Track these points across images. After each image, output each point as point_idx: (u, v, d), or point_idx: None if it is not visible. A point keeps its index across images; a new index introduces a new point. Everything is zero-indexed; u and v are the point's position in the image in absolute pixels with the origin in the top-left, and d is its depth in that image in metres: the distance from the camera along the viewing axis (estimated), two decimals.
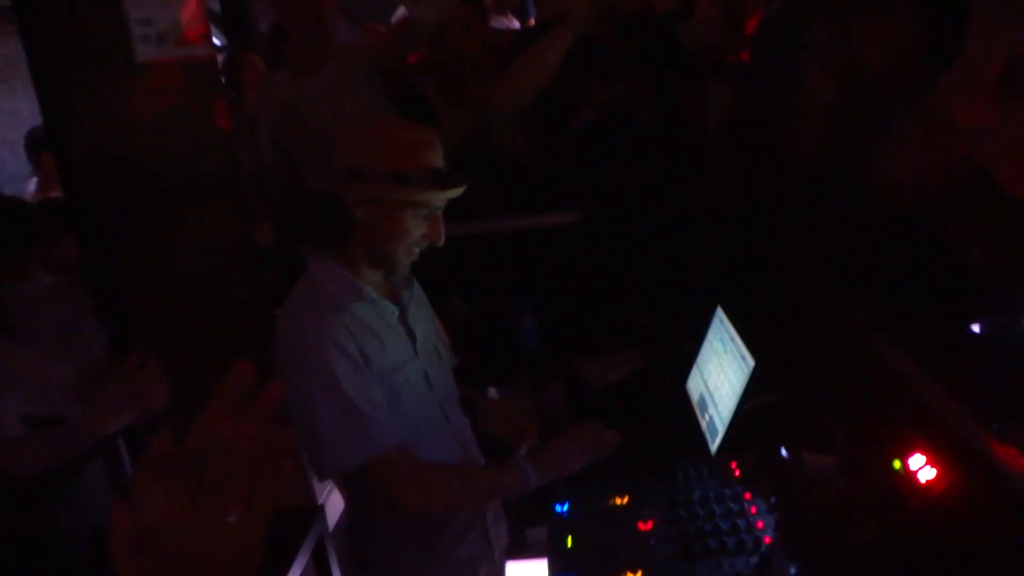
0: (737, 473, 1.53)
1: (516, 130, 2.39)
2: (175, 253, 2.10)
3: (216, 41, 3.96)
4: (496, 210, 2.34)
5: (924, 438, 1.18)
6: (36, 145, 3.95)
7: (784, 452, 1.46)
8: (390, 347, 1.58)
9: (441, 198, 1.53)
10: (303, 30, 2.41)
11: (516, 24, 4.66)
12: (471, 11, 2.40)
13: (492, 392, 2.26)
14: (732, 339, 1.67)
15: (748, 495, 1.45)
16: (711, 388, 1.72)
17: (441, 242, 1.57)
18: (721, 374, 1.68)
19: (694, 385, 1.84)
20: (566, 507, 1.55)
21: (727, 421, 1.56)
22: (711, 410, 1.69)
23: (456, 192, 1.52)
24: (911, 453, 1.18)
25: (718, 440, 1.59)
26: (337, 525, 2.32)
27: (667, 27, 2.29)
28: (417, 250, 1.57)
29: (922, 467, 1.16)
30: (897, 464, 1.19)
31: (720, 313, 1.78)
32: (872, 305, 1.51)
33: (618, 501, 1.53)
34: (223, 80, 3.14)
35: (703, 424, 1.71)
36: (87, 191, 2.01)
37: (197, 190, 2.11)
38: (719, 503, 1.43)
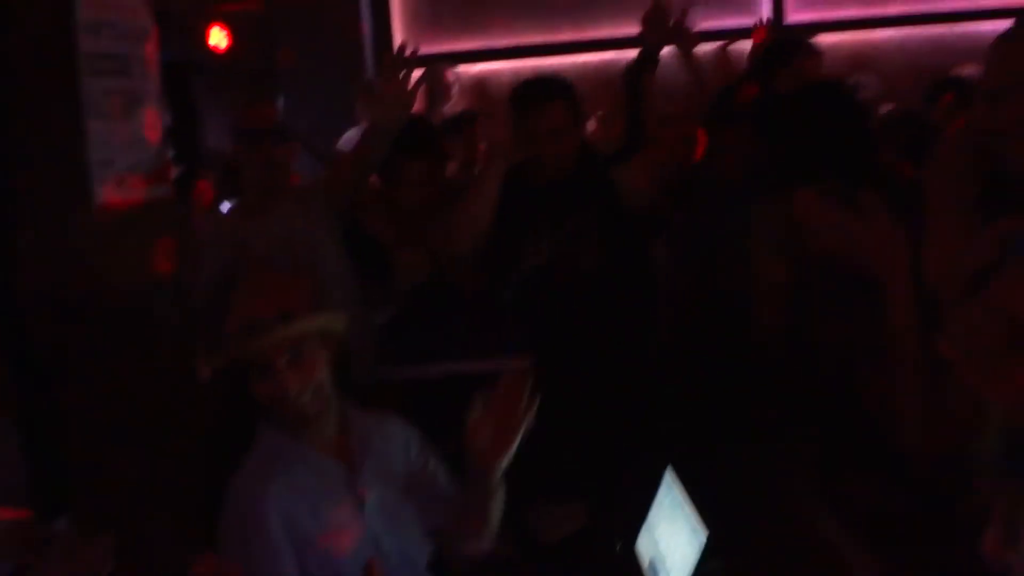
0: None
1: (468, 274, 2.43)
2: (122, 397, 2.04)
3: None
4: (457, 353, 2.35)
5: None
6: None
7: None
8: (322, 511, 1.53)
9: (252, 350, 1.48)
10: (256, 173, 2.41)
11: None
12: (429, 165, 2.43)
13: None
14: (682, 504, 1.69)
15: None
16: (662, 552, 1.73)
17: (277, 399, 1.50)
18: (672, 539, 1.69)
19: (644, 547, 1.84)
20: None
21: None
22: None
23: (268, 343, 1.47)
24: None
25: None
26: None
27: (605, 172, 2.40)
28: (303, 399, 1.50)
29: None
30: None
31: (670, 473, 1.80)
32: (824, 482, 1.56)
33: None
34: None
35: None
36: (34, 327, 1.96)
37: (148, 330, 2.09)
38: None
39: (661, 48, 2.69)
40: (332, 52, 5.11)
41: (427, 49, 5.31)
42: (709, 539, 1.52)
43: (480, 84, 5.20)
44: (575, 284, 2.37)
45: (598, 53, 4.99)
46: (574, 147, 2.37)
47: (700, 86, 2.84)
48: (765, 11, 5.46)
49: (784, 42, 3.41)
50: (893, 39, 5.11)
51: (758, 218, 1.76)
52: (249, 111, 2.45)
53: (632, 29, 2.79)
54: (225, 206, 3.47)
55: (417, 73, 2.35)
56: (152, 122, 2.14)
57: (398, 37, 5.40)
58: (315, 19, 5.15)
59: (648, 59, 2.69)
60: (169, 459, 2.15)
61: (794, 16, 5.56)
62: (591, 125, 3.70)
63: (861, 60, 4.96)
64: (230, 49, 5.07)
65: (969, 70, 3.74)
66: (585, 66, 4.83)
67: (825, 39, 5.30)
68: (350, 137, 4.69)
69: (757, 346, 1.85)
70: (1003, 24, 1.51)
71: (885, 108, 3.63)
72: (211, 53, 5.16)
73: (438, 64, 4.70)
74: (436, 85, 4.58)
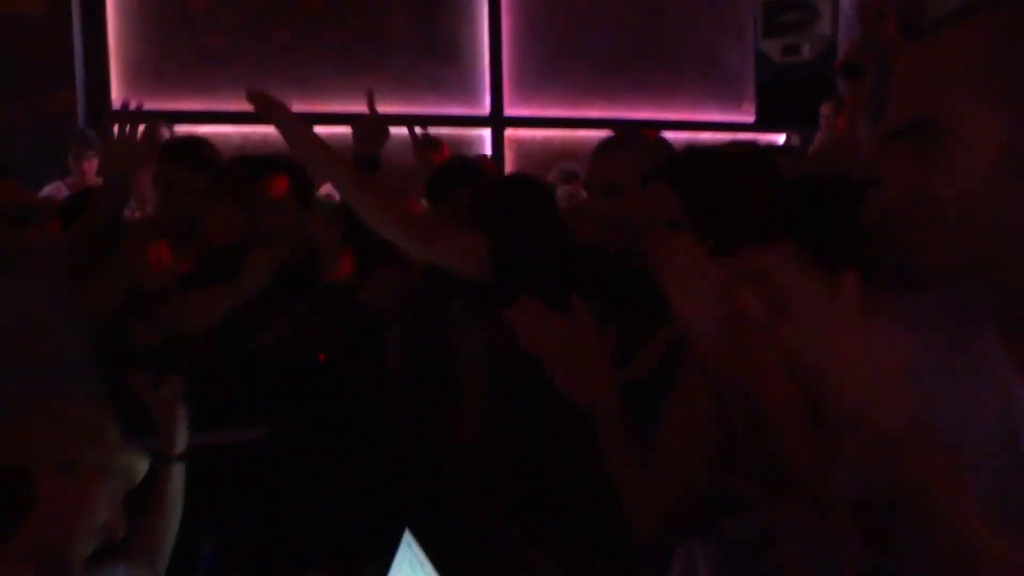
0: None
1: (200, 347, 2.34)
2: None
3: None
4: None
5: None
6: None
7: None
8: None
9: None
10: None
11: None
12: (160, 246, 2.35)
13: None
14: (421, 564, 1.73)
15: None
16: None
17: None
18: None
19: None
20: None
21: None
22: None
23: None
24: None
25: None
26: None
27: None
28: None
29: None
30: None
31: (408, 537, 1.84)
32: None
33: None
34: None
35: None
36: None
37: None
38: None
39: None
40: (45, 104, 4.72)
41: (149, 105, 5.07)
42: None
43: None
44: (306, 367, 2.35)
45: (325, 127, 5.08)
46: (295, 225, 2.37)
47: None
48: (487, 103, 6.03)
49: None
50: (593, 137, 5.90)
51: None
52: None
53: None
54: None
55: (140, 128, 2.25)
56: None
57: (115, 90, 5.11)
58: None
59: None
60: None
61: (510, 111, 6.17)
62: None
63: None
64: None
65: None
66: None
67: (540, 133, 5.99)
68: (51, 190, 4.33)
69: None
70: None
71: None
72: None
73: (157, 120, 4.50)
74: (151, 143, 4.37)
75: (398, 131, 2.87)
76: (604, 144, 1.84)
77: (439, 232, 1.88)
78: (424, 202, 2.94)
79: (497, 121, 6.22)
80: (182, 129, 4.73)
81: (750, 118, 6.39)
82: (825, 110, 4.62)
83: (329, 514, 2.16)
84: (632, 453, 1.33)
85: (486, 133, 6.24)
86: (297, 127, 1.81)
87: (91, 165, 4.45)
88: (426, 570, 1.70)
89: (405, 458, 2.24)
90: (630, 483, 1.33)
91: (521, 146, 6.26)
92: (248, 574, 2.07)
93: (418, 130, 3.58)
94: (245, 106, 1.83)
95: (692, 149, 1.53)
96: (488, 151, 6.05)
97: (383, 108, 2.39)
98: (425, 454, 2.26)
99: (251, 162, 2.43)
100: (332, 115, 5.04)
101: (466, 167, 2.77)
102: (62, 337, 2.15)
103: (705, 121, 6.43)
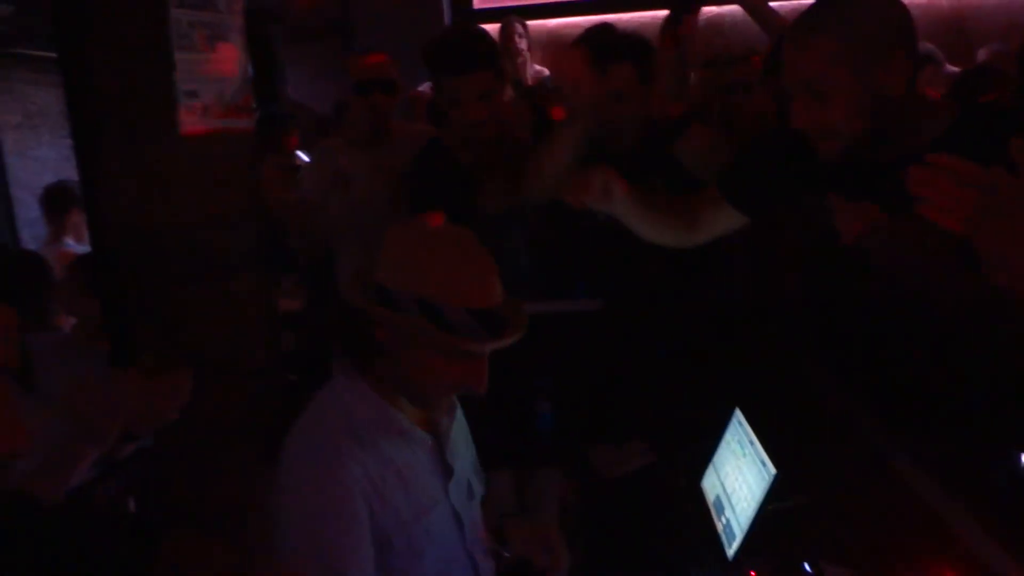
0: None
1: (543, 218, 2.41)
2: (198, 326, 2.09)
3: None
4: (527, 292, 2.33)
5: (953, 567, 1.18)
6: (51, 200, 4.06)
7: (807, 567, 1.45)
8: (416, 489, 1.36)
9: (481, 349, 1.28)
10: (362, 116, 2.60)
11: (545, 71, 4.77)
12: (483, 80, 2.17)
13: (507, 475, 2.23)
14: (751, 443, 1.67)
15: None
16: (728, 490, 1.72)
17: (483, 390, 1.32)
18: (739, 477, 1.68)
19: (710, 485, 1.83)
20: None
21: (746, 527, 1.56)
22: (728, 513, 1.68)
23: (503, 344, 1.28)
24: None
25: (736, 545, 1.58)
26: None
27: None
28: (456, 391, 1.37)
29: None
30: None
31: (739, 415, 1.79)
32: (905, 425, 1.52)
33: None
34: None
35: (719, 526, 1.70)
36: (117, 254, 2.03)
37: (227, 264, 2.13)
38: None
39: None
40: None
41: (496, 2, 5.29)
42: (777, 478, 1.51)
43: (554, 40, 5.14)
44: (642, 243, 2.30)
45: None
46: (639, 113, 2.23)
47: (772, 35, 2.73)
48: None
49: None
50: None
51: None
52: (363, 60, 2.66)
53: None
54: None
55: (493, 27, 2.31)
56: (235, 56, 2.17)
57: None
58: None
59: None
60: (243, 396, 2.20)
61: None
62: None
63: None
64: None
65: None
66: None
67: None
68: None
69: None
70: None
71: None
72: (289, 3, 5.22)
73: (510, 17, 4.67)
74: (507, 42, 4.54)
75: None
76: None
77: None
78: None
79: None
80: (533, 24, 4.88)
81: None
82: None
83: (659, 387, 2.16)
84: None
85: None
86: None
87: None
88: (756, 448, 1.64)
89: (737, 335, 2.14)
90: None
91: None
92: (579, 435, 2.15)
93: None
94: None
95: None
96: None
97: None
98: (757, 330, 2.14)
99: (601, 46, 2.31)
100: None
101: None
102: None
103: None
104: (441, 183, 2.30)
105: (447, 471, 1.44)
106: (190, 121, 2.01)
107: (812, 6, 1.48)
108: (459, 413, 1.54)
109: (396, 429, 1.37)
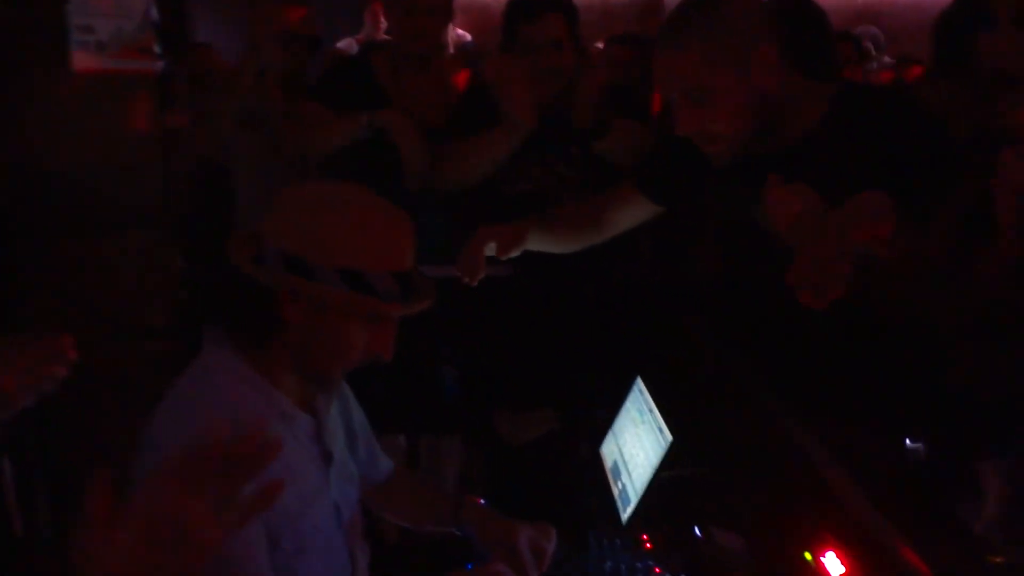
0: (648, 546, 1.54)
1: None
2: (87, 278, 2.00)
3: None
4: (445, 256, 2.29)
5: (837, 535, 1.23)
6: None
7: (698, 531, 1.49)
8: (299, 479, 1.22)
9: (407, 312, 1.23)
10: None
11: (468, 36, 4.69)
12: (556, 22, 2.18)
13: (401, 440, 2.21)
14: (651, 411, 1.70)
15: (658, 569, 1.46)
16: (626, 457, 1.75)
17: (390, 356, 1.26)
18: (637, 444, 1.71)
19: (608, 451, 1.86)
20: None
21: (640, 492, 1.58)
22: (624, 479, 1.71)
23: (423, 306, 1.23)
24: (823, 548, 1.22)
25: (630, 510, 1.61)
26: None
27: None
28: (363, 361, 1.25)
29: (832, 562, 1.21)
30: (808, 556, 1.24)
31: (640, 383, 1.82)
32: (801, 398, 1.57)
33: None
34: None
35: (615, 491, 1.73)
36: (5, 201, 1.90)
37: (121, 216, 2.03)
38: None
39: None
40: None
41: None
42: (672, 445, 1.54)
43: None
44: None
45: None
46: (572, 63, 2.24)
47: None
48: None
49: None
50: None
51: None
52: (281, 14, 2.41)
53: None
54: None
55: None
56: None
57: None
58: None
59: None
60: (142, 358, 2.12)
61: None
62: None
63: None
64: None
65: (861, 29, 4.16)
66: None
67: None
68: (343, 45, 4.60)
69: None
70: None
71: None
72: None
73: None
74: None
75: None
76: None
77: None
78: None
79: None
80: None
81: None
82: None
83: (564, 355, 2.17)
84: None
85: None
86: None
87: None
88: (654, 416, 1.67)
89: (641, 306, 2.17)
90: None
91: None
92: (485, 403, 2.16)
93: None
94: None
95: None
96: None
97: None
98: (661, 302, 2.18)
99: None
100: None
101: None
102: None
103: None
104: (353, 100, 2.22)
105: (327, 457, 1.32)
106: (83, 59, 1.90)
107: (671, 15, 1.47)
108: (346, 389, 1.46)
109: (277, 412, 1.24)
